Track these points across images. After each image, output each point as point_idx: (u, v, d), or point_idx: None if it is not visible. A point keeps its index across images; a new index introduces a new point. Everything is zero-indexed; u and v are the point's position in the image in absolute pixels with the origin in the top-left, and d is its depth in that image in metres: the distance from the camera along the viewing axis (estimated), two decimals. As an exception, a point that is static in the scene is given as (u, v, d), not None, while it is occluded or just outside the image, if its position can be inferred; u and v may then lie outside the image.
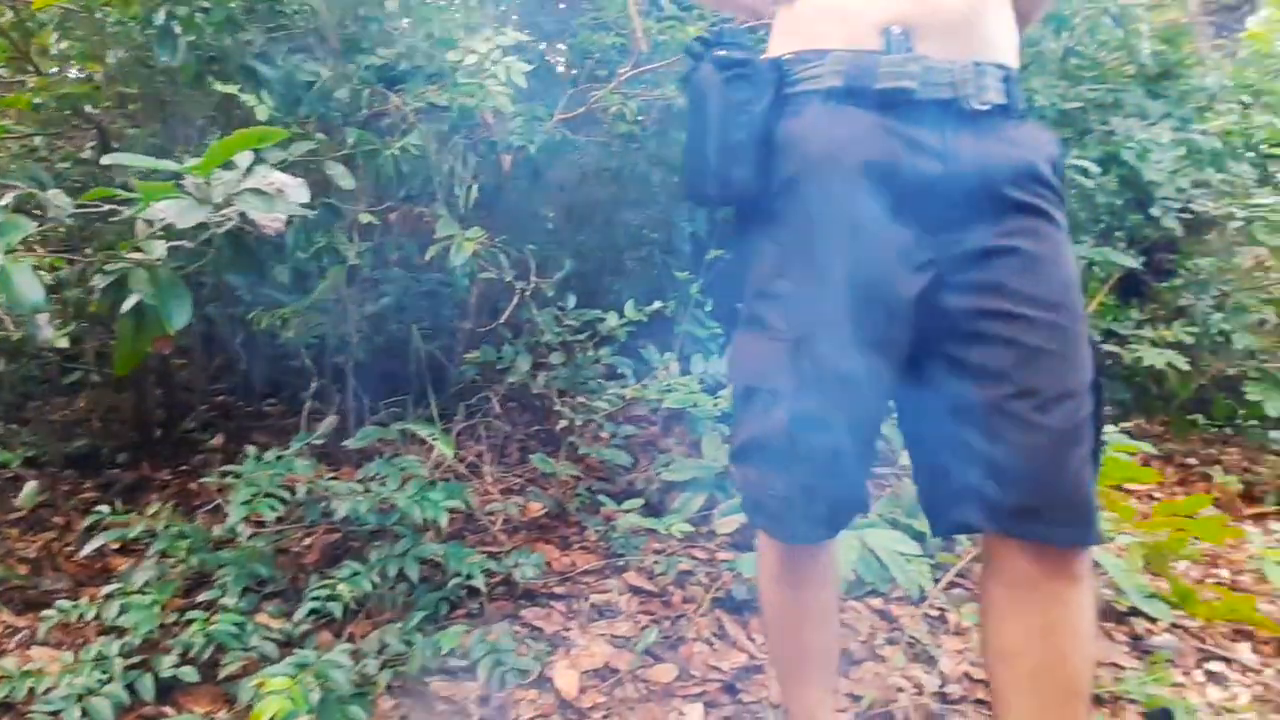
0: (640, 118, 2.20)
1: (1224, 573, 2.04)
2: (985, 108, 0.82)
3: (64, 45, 1.99)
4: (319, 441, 1.85)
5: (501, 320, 2.04)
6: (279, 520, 1.67)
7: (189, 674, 1.34)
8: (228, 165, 1.17)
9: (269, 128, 1.16)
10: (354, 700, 1.25)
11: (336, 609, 1.42)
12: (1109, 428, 2.06)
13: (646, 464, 2.18)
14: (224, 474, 1.60)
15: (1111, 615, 1.74)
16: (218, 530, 1.60)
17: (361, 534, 1.66)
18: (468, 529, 1.91)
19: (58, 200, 1.17)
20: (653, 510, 1.97)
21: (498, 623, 1.57)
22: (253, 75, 1.71)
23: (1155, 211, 2.50)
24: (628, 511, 1.86)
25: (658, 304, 2.05)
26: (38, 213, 1.19)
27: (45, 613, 1.43)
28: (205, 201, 1.16)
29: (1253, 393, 2.56)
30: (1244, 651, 1.66)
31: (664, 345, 2.21)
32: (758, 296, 0.87)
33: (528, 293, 1.93)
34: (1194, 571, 2.02)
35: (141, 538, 1.59)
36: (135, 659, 1.35)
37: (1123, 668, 1.55)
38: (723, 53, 0.83)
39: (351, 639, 1.48)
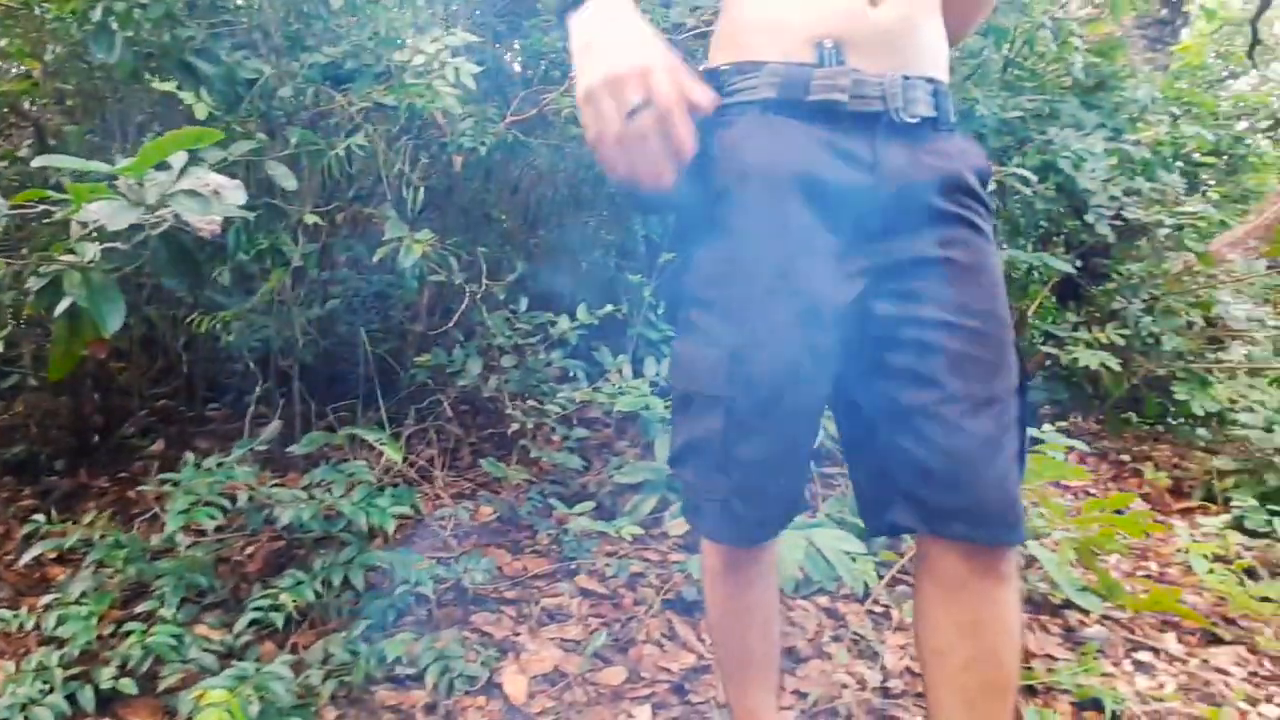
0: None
1: (1153, 566, 2.13)
2: (914, 120, 0.85)
3: (3, 43, 1.93)
4: (263, 447, 1.81)
5: (452, 323, 2.03)
6: (219, 529, 1.63)
7: (128, 686, 1.32)
8: (162, 166, 1.14)
9: (205, 128, 1.14)
10: (295, 712, 1.23)
11: (279, 619, 1.40)
12: (1046, 426, 2.14)
13: (600, 467, 2.19)
14: (162, 482, 1.57)
15: (1046, 608, 1.80)
16: (156, 540, 1.56)
17: (306, 542, 1.63)
18: (417, 534, 1.89)
19: (-9, 200, 1.14)
20: (605, 513, 1.98)
21: (446, 629, 1.56)
22: (192, 72, 1.67)
23: (1090, 218, 2.60)
24: (580, 514, 1.87)
25: (610, 307, 2.06)
26: (-29, 213, 1.15)
27: (-15, 623, 1.39)
28: (138, 203, 1.13)
29: (1180, 392, 2.68)
30: (1170, 642, 1.74)
31: (617, 348, 2.22)
32: (694, 303, 0.89)
33: (479, 295, 1.92)
34: (1125, 565, 2.10)
35: (78, 547, 1.55)
36: (75, 670, 1.33)
37: (1055, 659, 1.61)
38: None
39: (295, 649, 1.45)
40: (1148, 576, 2.05)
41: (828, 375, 0.88)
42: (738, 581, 1.04)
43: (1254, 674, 1.63)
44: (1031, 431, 1.96)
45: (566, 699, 1.45)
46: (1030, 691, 1.49)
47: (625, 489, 2.03)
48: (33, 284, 1.14)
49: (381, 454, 1.82)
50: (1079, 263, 2.74)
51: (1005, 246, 2.76)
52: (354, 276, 2.23)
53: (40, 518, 1.55)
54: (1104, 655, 1.65)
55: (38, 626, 1.39)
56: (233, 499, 1.53)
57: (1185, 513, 2.49)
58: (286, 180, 1.56)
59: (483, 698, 1.43)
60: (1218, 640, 1.74)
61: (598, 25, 0.77)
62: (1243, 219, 3.82)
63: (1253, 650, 1.71)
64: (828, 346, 0.85)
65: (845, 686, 1.50)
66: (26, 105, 1.94)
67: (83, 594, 1.46)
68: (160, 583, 1.49)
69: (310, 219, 1.75)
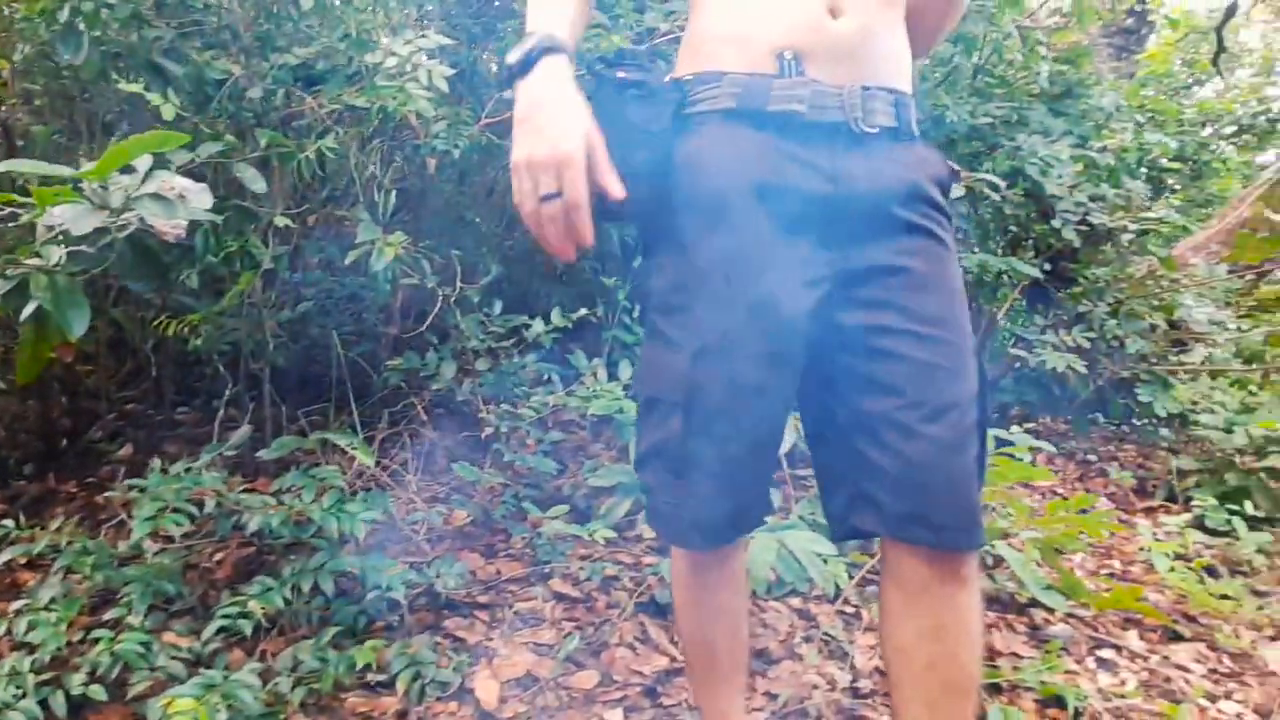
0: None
1: (1116, 564, 2.17)
2: (873, 130, 0.87)
3: (-30, 44, 1.90)
4: (232, 452, 1.79)
5: (426, 326, 2.02)
6: (187, 535, 1.61)
7: (98, 692, 1.30)
8: (127, 170, 1.14)
9: (170, 131, 1.13)
10: (262, 719, 1.22)
11: (247, 626, 1.38)
12: (1015, 427, 2.17)
13: (574, 470, 2.19)
14: (130, 488, 1.55)
15: (1012, 607, 1.83)
16: (123, 546, 1.55)
17: (276, 548, 1.62)
18: (390, 539, 1.88)
19: (-44, 203, 1.12)
20: (579, 516, 1.98)
21: (418, 635, 1.56)
22: (160, 73, 1.66)
23: (1057, 223, 2.64)
24: (554, 518, 1.87)
25: (584, 310, 2.07)
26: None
27: (-44, 628, 1.38)
28: (102, 206, 1.12)
29: (1144, 394, 2.74)
30: (1132, 639, 1.77)
31: (591, 351, 2.23)
32: (659, 310, 0.90)
33: (453, 298, 1.92)
34: (1089, 564, 2.15)
35: (46, 553, 1.53)
36: (47, 675, 1.32)
37: (1021, 656, 1.64)
38: (623, 74, 0.85)
39: (263, 656, 1.44)
40: (1111, 575, 2.09)
41: (789, 381, 0.89)
42: (705, 584, 1.05)
43: (1213, 670, 1.68)
44: (1000, 433, 1.99)
45: (539, 703, 1.45)
46: (995, 689, 1.52)
47: (599, 492, 2.03)
48: (0, 286, 1.13)
49: (354, 458, 1.81)
50: (1047, 267, 2.79)
51: (976, 250, 2.80)
52: (326, 279, 2.22)
53: (9, 523, 1.54)
54: (1068, 653, 1.68)
55: (9, 632, 1.38)
56: (200, 505, 1.52)
57: (1149, 512, 2.54)
58: (255, 183, 1.55)
59: (454, 703, 1.43)
60: (1178, 637, 1.78)
61: (536, 100, 0.82)
62: (1205, 224, 3.91)
63: (1212, 647, 1.75)
64: (788, 353, 0.87)
65: (815, 687, 1.52)
66: (-7, 105, 1.91)
67: (52, 600, 1.44)
68: (128, 589, 1.47)
69: (281, 221, 1.74)
